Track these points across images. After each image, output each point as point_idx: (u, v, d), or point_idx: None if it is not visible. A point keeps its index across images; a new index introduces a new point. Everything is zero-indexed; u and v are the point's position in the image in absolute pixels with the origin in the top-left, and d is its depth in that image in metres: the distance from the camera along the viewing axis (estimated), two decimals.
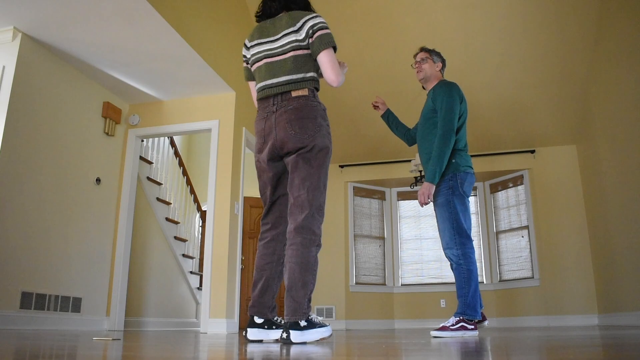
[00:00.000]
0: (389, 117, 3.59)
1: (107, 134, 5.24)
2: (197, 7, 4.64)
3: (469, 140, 7.04)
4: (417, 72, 3.35)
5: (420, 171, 6.12)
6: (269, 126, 2.25)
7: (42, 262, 4.34)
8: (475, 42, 5.94)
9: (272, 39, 2.32)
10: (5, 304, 3.94)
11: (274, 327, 2.31)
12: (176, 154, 7.26)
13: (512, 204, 7.27)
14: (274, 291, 2.35)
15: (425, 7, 5.68)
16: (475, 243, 7.46)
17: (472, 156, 7.19)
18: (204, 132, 5.40)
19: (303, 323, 2.10)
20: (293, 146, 2.19)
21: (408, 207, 7.86)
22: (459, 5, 5.63)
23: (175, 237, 6.62)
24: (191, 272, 7.02)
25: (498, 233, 7.38)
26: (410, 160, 7.39)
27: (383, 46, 6.07)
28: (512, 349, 1.59)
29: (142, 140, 6.11)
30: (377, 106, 3.58)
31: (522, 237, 7.07)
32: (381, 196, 7.91)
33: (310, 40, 2.26)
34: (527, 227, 7.03)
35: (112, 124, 5.30)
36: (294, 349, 1.74)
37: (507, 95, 6.44)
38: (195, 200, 7.69)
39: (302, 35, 2.26)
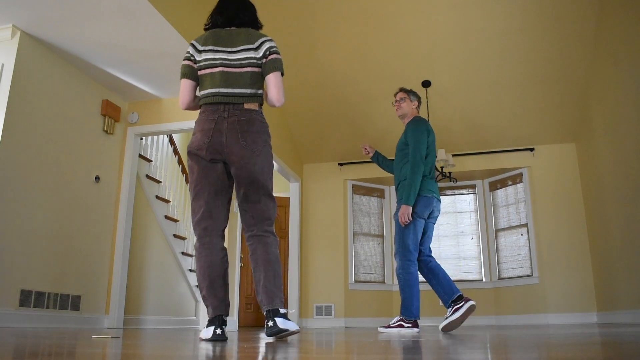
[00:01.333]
0: (378, 157, 4.14)
1: (106, 132, 5.24)
2: (196, 5, 4.64)
3: (468, 139, 7.04)
4: (397, 109, 3.90)
5: None
6: (218, 129, 2.34)
7: (41, 260, 4.34)
8: (475, 41, 5.94)
9: (229, 49, 2.45)
10: (4, 302, 3.94)
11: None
12: (175, 152, 7.26)
13: (511, 202, 7.27)
14: (229, 287, 2.47)
15: (425, 6, 5.67)
16: (474, 241, 7.47)
17: (471, 154, 7.20)
18: None
19: (283, 310, 2.30)
20: (240, 155, 2.34)
21: None
22: (459, 4, 5.62)
23: (175, 235, 6.62)
24: (190, 270, 7.02)
25: (497, 231, 7.38)
26: None
27: (383, 45, 6.07)
28: (511, 347, 1.59)
29: (141, 138, 6.11)
30: (368, 151, 4.07)
31: (521, 235, 7.07)
32: (380, 194, 7.91)
33: (264, 61, 2.45)
34: (526, 225, 7.04)
35: (111, 122, 5.29)
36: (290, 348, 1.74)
37: (507, 93, 6.44)
38: None
39: (259, 54, 2.45)
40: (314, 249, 7.35)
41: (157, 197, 6.30)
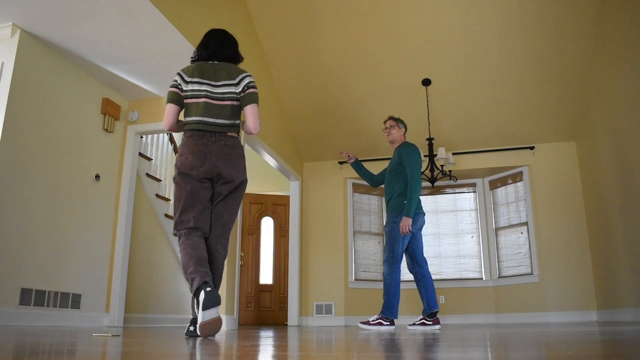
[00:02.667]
0: (357, 165, 4.61)
1: (106, 130, 5.24)
2: (197, 4, 4.63)
3: (468, 137, 7.04)
4: (387, 135, 4.48)
5: None
6: (208, 152, 2.69)
7: (42, 258, 4.34)
8: (475, 39, 5.94)
9: (213, 83, 2.76)
10: (4, 300, 3.94)
11: None
12: (175, 150, 7.26)
13: (512, 201, 7.27)
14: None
15: (425, 5, 5.67)
16: (474, 239, 7.47)
17: (471, 153, 7.20)
18: None
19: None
20: (228, 176, 2.72)
21: None
22: (459, 3, 5.62)
23: (175, 234, 6.62)
24: None
25: (497, 229, 7.38)
26: None
27: (383, 43, 6.06)
28: (511, 345, 1.59)
29: (141, 137, 6.11)
30: (350, 157, 4.53)
31: (521, 233, 7.07)
32: (380, 192, 7.91)
33: (243, 94, 2.80)
34: (526, 223, 7.04)
35: (111, 121, 5.29)
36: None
37: (507, 91, 6.44)
38: None
39: (239, 89, 2.79)
40: (314, 248, 7.35)
41: (157, 195, 6.30)
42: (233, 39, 2.94)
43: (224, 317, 4.71)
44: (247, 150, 8.69)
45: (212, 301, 2.40)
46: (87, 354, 1.32)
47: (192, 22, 4.51)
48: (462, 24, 5.82)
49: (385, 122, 4.52)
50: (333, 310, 7.10)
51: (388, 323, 4.09)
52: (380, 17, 5.82)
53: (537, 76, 6.22)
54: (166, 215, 6.46)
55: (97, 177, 5.07)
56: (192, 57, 2.90)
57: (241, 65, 5.52)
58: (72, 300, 4.64)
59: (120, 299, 5.09)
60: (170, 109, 2.77)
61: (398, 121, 4.48)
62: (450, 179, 6.38)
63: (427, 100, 6.57)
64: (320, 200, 7.53)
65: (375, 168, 7.54)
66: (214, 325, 2.42)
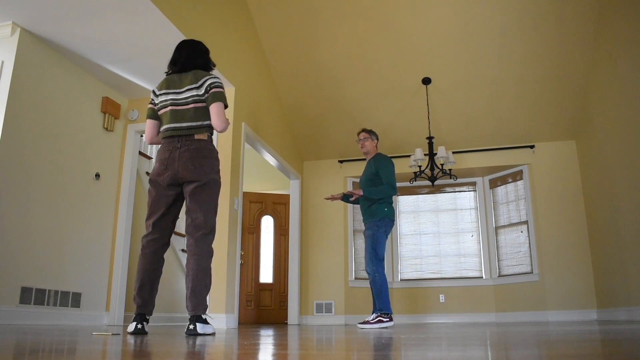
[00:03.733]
0: (346, 198, 4.79)
1: (106, 129, 5.23)
2: (197, 2, 4.63)
3: (468, 136, 7.04)
4: (361, 147, 4.77)
5: (420, 166, 6.13)
6: (172, 158, 2.79)
7: (42, 257, 4.34)
8: (475, 38, 5.93)
9: (177, 91, 2.88)
10: (4, 299, 3.94)
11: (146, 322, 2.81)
12: None
13: (512, 199, 7.27)
14: (156, 291, 2.89)
15: (425, 4, 5.66)
16: (474, 238, 7.47)
17: (471, 152, 7.21)
18: None
19: (204, 316, 2.67)
20: (191, 178, 2.78)
21: (407, 203, 7.87)
22: (459, 2, 5.61)
23: (175, 233, 6.63)
24: None
25: (497, 228, 7.38)
26: (409, 156, 7.38)
27: (383, 43, 6.06)
28: (511, 344, 1.59)
29: (141, 136, 6.10)
30: (335, 198, 4.70)
31: (522, 232, 7.07)
32: None
33: (207, 95, 2.85)
34: (526, 222, 7.04)
35: (111, 119, 5.29)
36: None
37: (507, 90, 6.43)
38: None
39: (202, 91, 2.85)
40: (314, 246, 7.35)
41: None
42: (203, 47, 3.04)
43: (224, 316, 4.71)
44: (248, 149, 8.69)
45: (138, 334, 2.65)
46: (87, 353, 1.32)
47: (192, 20, 4.50)
48: (463, 23, 5.81)
49: (358, 134, 4.81)
50: (333, 309, 7.10)
51: (388, 319, 4.29)
52: (380, 16, 5.81)
53: (537, 75, 6.22)
54: None
55: (97, 175, 5.07)
56: (165, 73, 3.03)
57: (242, 65, 5.53)
58: (72, 299, 4.65)
59: (120, 297, 5.09)
60: (148, 124, 2.97)
61: (371, 133, 4.78)
62: (450, 178, 6.38)
63: (427, 99, 6.57)
64: (321, 199, 7.53)
65: None
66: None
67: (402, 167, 7.44)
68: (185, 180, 2.79)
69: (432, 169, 6.15)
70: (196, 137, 2.82)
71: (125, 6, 3.90)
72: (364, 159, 7.54)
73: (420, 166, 6.12)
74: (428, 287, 7.39)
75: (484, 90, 6.47)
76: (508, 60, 6.11)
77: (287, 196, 7.84)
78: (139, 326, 2.72)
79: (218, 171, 2.89)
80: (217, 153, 2.93)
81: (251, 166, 8.96)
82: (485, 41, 5.96)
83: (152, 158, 6.36)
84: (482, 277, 7.28)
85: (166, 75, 3.01)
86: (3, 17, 4.07)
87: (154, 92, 2.95)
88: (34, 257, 4.25)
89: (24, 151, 4.21)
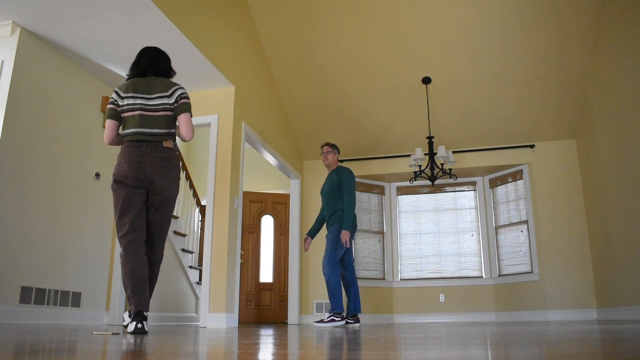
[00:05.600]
0: (314, 233, 5.16)
1: None
2: (197, 2, 4.63)
3: (468, 136, 7.04)
4: (324, 160, 5.07)
5: (420, 166, 6.13)
6: (143, 163, 2.89)
7: (42, 256, 4.35)
8: (475, 37, 5.93)
9: (147, 96, 2.97)
10: (4, 298, 3.95)
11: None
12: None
13: (512, 199, 7.27)
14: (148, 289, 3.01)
15: (425, 4, 5.66)
16: (474, 238, 7.47)
17: (471, 151, 7.21)
18: (203, 127, 5.39)
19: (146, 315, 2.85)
20: (159, 187, 2.94)
21: (407, 202, 7.87)
22: (459, 1, 5.62)
23: (175, 232, 6.62)
24: (190, 267, 7.02)
25: (497, 228, 7.38)
26: (409, 155, 7.38)
27: (383, 42, 6.06)
28: (511, 343, 1.59)
29: None
30: (308, 244, 5.05)
31: (522, 231, 7.07)
32: (380, 191, 7.91)
33: (176, 105, 3.00)
34: (526, 221, 7.04)
35: None
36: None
37: (507, 89, 6.43)
38: (195, 195, 7.68)
39: (172, 100, 3.00)
40: (314, 246, 7.35)
41: None
42: (165, 55, 3.18)
43: (224, 316, 4.72)
44: (248, 148, 8.69)
45: (138, 332, 2.74)
46: (87, 352, 1.32)
47: (192, 20, 4.50)
48: (463, 22, 5.81)
49: (322, 147, 5.12)
50: None
51: (339, 318, 4.60)
52: (380, 15, 5.81)
53: (537, 74, 6.22)
54: None
55: (97, 175, 5.07)
56: (127, 75, 3.12)
57: (242, 64, 5.53)
58: (72, 299, 4.65)
59: (120, 297, 5.09)
60: (108, 124, 2.99)
61: (333, 147, 5.08)
62: (451, 177, 6.38)
63: (427, 99, 6.57)
64: (320, 199, 7.53)
65: (376, 166, 7.54)
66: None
67: (402, 167, 7.44)
68: (152, 186, 2.94)
69: (432, 169, 6.15)
70: (164, 144, 2.97)
71: (125, 6, 3.90)
72: (365, 159, 7.55)
73: (420, 166, 6.12)
74: (428, 287, 7.39)
75: (484, 90, 6.47)
76: (508, 59, 6.11)
77: (287, 196, 7.84)
78: (139, 325, 2.74)
79: (180, 178, 3.14)
80: (179, 160, 3.12)
81: (251, 166, 8.96)
82: (485, 41, 5.96)
83: None
84: (482, 277, 7.28)
85: (128, 78, 3.10)
86: (3, 16, 4.07)
87: (117, 93, 2.99)
88: (34, 256, 4.25)
89: (24, 150, 4.21)
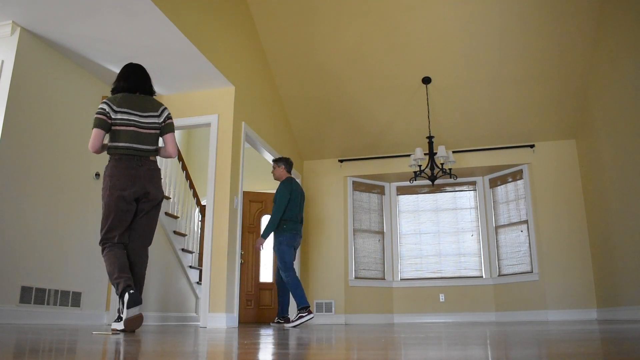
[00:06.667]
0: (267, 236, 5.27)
1: None
2: (196, 2, 4.62)
3: (468, 135, 7.04)
4: (272, 173, 5.37)
5: (420, 166, 6.14)
6: (137, 175, 3.12)
7: (42, 256, 4.34)
8: (475, 37, 5.93)
9: (140, 113, 3.19)
10: (5, 298, 3.95)
11: None
12: None
13: (512, 199, 7.27)
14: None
15: (425, 4, 5.66)
16: (474, 238, 7.47)
17: (471, 151, 7.21)
18: (203, 127, 5.39)
19: None
20: (154, 195, 3.20)
21: (407, 202, 7.87)
22: (459, 1, 5.62)
23: (175, 232, 6.62)
24: (190, 267, 7.02)
25: (497, 228, 7.38)
26: (409, 155, 7.38)
27: (383, 42, 6.06)
28: (511, 344, 1.59)
29: None
30: (260, 245, 5.19)
31: (522, 231, 7.07)
32: (380, 191, 7.91)
33: (163, 124, 3.28)
34: (526, 221, 7.04)
35: None
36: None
37: (507, 89, 6.43)
38: (195, 194, 7.68)
39: (160, 119, 3.27)
40: (314, 246, 7.35)
41: None
42: (148, 74, 3.39)
43: (223, 315, 4.72)
44: (248, 148, 8.69)
45: (134, 301, 2.88)
46: (87, 352, 1.32)
47: (192, 20, 4.50)
48: (463, 22, 5.81)
49: (273, 161, 5.50)
50: (333, 309, 7.10)
51: (307, 313, 4.81)
52: (380, 15, 5.81)
53: (537, 74, 6.22)
54: (167, 214, 6.46)
55: (97, 175, 5.07)
56: (113, 87, 3.28)
57: (242, 64, 5.54)
58: (72, 299, 4.65)
59: None
60: (99, 133, 3.08)
61: (278, 161, 5.35)
62: (450, 177, 6.38)
63: (427, 99, 6.57)
64: (320, 199, 7.53)
65: (376, 166, 7.55)
66: (137, 321, 2.90)
67: (402, 167, 7.44)
68: (147, 195, 3.17)
69: (432, 169, 6.15)
70: (151, 158, 3.24)
71: (125, 5, 3.90)
72: (365, 158, 7.56)
73: (420, 165, 6.12)
74: (428, 287, 7.40)
75: (484, 89, 6.47)
76: (508, 59, 6.11)
77: None
78: (132, 291, 2.91)
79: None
80: None
81: (251, 166, 8.96)
82: (486, 41, 5.96)
83: None
84: (482, 277, 7.28)
85: (113, 90, 3.25)
86: (3, 16, 4.07)
87: (109, 105, 3.12)
88: (34, 256, 4.25)
89: (24, 150, 4.21)
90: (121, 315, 2.96)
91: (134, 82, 3.26)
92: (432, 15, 5.78)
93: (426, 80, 6.43)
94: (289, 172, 5.37)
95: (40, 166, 4.38)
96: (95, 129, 3.08)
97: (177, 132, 9.41)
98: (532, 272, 6.79)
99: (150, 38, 4.38)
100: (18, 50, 4.19)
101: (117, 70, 4.98)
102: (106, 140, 3.32)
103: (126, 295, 2.89)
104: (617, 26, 5.21)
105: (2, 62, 4.16)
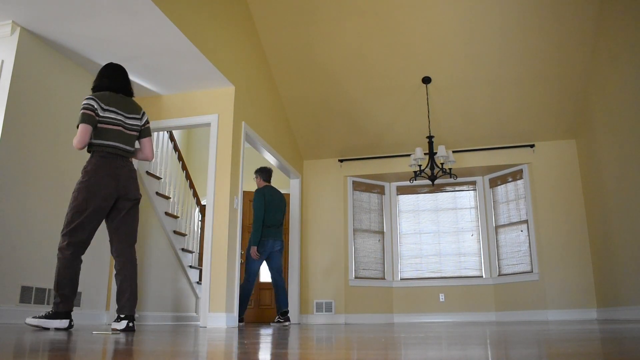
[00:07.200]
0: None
1: None
2: (197, 1, 4.63)
3: (468, 135, 7.04)
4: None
5: (420, 166, 6.13)
6: (119, 175, 3.17)
7: (42, 256, 4.35)
8: (475, 37, 5.93)
9: (125, 114, 3.28)
10: (5, 298, 3.95)
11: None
12: (175, 148, 7.25)
13: (512, 199, 7.27)
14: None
15: (425, 3, 5.66)
16: (474, 237, 7.47)
17: (471, 151, 7.21)
18: (203, 127, 5.39)
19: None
20: (133, 194, 3.26)
21: (407, 202, 7.87)
22: (459, 1, 5.62)
23: (175, 232, 6.62)
24: (190, 267, 7.02)
25: (497, 227, 7.39)
26: (409, 155, 7.38)
27: (383, 41, 6.06)
28: (511, 343, 1.59)
29: None
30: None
31: (522, 231, 7.07)
32: (380, 190, 7.91)
33: (143, 127, 3.39)
34: (526, 221, 7.04)
35: None
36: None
37: (507, 89, 6.43)
38: (195, 194, 7.69)
39: (141, 122, 3.38)
40: (314, 246, 7.35)
41: (157, 193, 6.30)
42: (128, 74, 3.54)
43: (223, 315, 4.72)
44: (248, 148, 8.69)
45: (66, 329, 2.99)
46: (87, 352, 1.32)
47: (192, 20, 4.50)
48: (463, 22, 5.81)
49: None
50: (333, 308, 7.10)
51: (283, 319, 5.39)
52: (380, 15, 5.81)
53: (537, 74, 6.22)
54: (166, 214, 6.46)
55: None
56: (95, 84, 3.29)
57: (242, 64, 5.54)
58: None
59: None
60: (86, 129, 3.09)
61: (256, 173, 5.79)
62: (450, 177, 6.38)
63: (427, 98, 6.57)
64: (320, 198, 7.53)
65: (376, 166, 7.55)
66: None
67: (402, 167, 7.44)
68: (126, 195, 3.21)
69: (432, 168, 6.15)
70: (130, 159, 3.31)
71: (125, 5, 3.90)
72: (365, 158, 7.56)
73: (420, 165, 6.12)
74: (428, 286, 7.40)
75: (484, 89, 6.47)
76: (508, 59, 6.11)
77: (287, 195, 7.85)
78: (73, 323, 3.08)
79: None
80: None
81: (251, 165, 8.96)
82: (486, 40, 5.96)
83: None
84: (482, 277, 7.28)
85: (95, 88, 3.27)
86: (3, 16, 4.07)
87: (98, 103, 3.15)
88: (34, 256, 4.25)
89: (24, 150, 4.21)
90: (117, 327, 3.05)
91: (120, 82, 3.32)
92: (432, 15, 5.78)
93: (426, 80, 6.43)
94: (267, 180, 5.75)
95: (40, 166, 4.38)
96: (83, 125, 3.07)
97: (177, 132, 9.41)
98: (532, 272, 6.79)
99: (150, 38, 4.38)
100: (18, 50, 4.19)
101: None
102: None
103: (58, 323, 2.99)
104: (617, 26, 5.21)
105: (2, 62, 4.17)
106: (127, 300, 3.11)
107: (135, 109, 3.35)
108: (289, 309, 5.65)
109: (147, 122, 3.42)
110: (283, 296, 5.51)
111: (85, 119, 3.08)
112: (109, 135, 3.17)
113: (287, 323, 5.42)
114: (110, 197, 3.13)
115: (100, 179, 3.10)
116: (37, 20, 4.12)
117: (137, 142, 3.62)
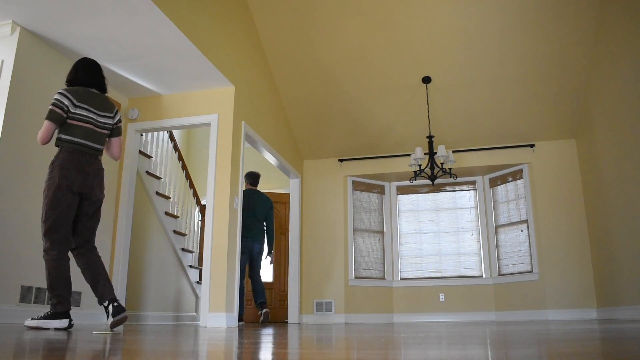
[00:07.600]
0: (269, 252, 6.19)
1: None
2: (197, 1, 4.62)
3: (468, 135, 7.04)
4: None
5: (420, 165, 6.14)
6: (87, 172, 3.16)
7: (42, 256, 4.34)
8: (475, 37, 5.93)
9: (97, 112, 3.24)
10: (5, 298, 3.95)
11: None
12: (175, 148, 7.25)
13: (512, 198, 7.27)
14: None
15: (425, 3, 5.66)
16: (474, 237, 7.47)
17: (471, 150, 7.21)
18: (203, 127, 5.39)
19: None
20: (96, 196, 3.24)
21: (407, 201, 7.87)
22: (459, 1, 5.62)
23: (175, 231, 6.62)
24: (190, 266, 7.02)
25: (497, 227, 7.39)
26: (409, 155, 7.38)
27: (383, 41, 6.06)
28: (511, 343, 1.59)
29: (142, 135, 6.10)
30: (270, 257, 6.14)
31: (522, 231, 7.08)
32: (380, 190, 7.91)
33: (114, 126, 3.37)
34: (526, 221, 7.04)
35: None
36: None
37: (507, 89, 6.43)
38: (195, 194, 7.69)
39: (113, 121, 3.34)
40: (314, 245, 7.35)
41: (157, 193, 6.30)
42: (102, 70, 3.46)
43: (223, 315, 4.72)
44: (248, 148, 8.69)
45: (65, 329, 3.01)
46: (87, 351, 1.32)
47: (192, 19, 4.50)
48: (463, 22, 5.81)
49: None
50: (333, 308, 7.10)
51: (241, 321, 5.64)
52: (380, 15, 5.81)
53: (537, 74, 6.22)
54: (167, 213, 6.46)
55: None
56: (70, 78, 3.25)
57: (242, 64, 5.54)
58: (72, 298, 4.64)
59: (120, 296, 5.09)
60: (51, 127, 3.05)
61: (244, 177, 6.09)
62: (450, 177, 6.38)
63: (427, 98, 6.57)
64: (321, 198, 7.53)
65: (376, 166, 7.55)
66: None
67: (402, 166, 7.44)
68: (90, 195, 3.20)
69: (432, 168, 6.15)
70: (99, 158, 3.27)
71: (125, 5, 3.90)
72: (365, 158, 7.57)
73: (420, 165, 6.12)
74: (428, 286, 7.40)
75: (484, 89, 6.47)
76: (508, 59, 6.11)
77: (287, 195, 7.85)
78: (72, 322, 3.16)
79: None
80: None
81: (251, 165, 8.96)
82: (486, 40, 5.96)
83: (152, 157, 6.36)
84: (482, 276, 7.28)
85: (69, 82, 3.23)
86: (3, 16, 4.07)
87: (69, 99, 3.10)
88: (34, 256, 4.25)
89: (23, 150, 4.21)
90: (108, 321, 3.10)
91: (94, 77, 3.28)
92: (432, 15, 5.78)
93: (426, 80, 6.43)
94: (253, 184, 6.09)
95: (40, 166, 4.38)
96: (48, 122, 3.03)
97: (177, 132, 9.42)
98: (532, 271, 6.80)
99: (150, 38, 4.38)
100: (18, 49, 4.19)
101: (118, 70, 4.99)
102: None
103: (57, 323, 3.03)
104: (617, 26, 5.21)
105: (2, 61, 4.16)
106: (104, 286, 3.14)
107: (109, 107, 3.31)
108: (265, 299, 5.94)
109: (120, 121, 3.39)
110: (262, 290, 5.83)
111: (51, 116, 3.04)
112: (78, 132, 3.13)
113: (263, 311, 5.72)
114: (76, 192, 3.12)
115: (68, 173, 3.07)
116: (37, 20, 4.12)
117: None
